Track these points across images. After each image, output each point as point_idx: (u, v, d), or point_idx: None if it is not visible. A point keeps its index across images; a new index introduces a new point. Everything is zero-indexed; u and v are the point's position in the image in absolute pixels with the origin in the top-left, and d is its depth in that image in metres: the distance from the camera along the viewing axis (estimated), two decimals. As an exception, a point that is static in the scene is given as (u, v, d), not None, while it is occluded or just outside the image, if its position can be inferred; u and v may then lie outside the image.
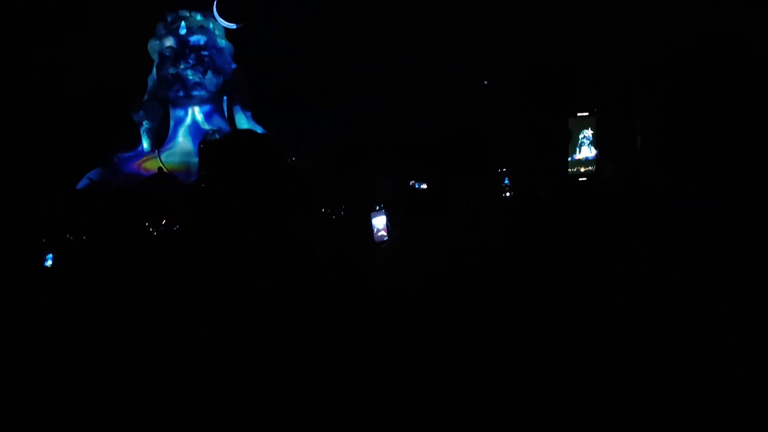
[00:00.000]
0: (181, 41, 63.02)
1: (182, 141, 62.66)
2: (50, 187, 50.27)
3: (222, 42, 65.58)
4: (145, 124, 62.60)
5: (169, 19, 63.93)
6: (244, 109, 65.55)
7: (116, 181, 57.87)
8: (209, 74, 62.33)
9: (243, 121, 66.77)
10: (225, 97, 65.61)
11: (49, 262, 8.89)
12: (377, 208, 6.93)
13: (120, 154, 62.54)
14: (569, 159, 5.82)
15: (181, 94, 62.34)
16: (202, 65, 62.38)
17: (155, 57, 65.41)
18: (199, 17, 65.39)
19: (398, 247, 5.09)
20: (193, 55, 61.81)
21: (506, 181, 8.23)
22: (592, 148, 5.87)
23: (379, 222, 6.93)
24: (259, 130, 64.63)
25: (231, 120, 67.10)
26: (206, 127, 62.39)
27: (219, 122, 63.96)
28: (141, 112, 62.57)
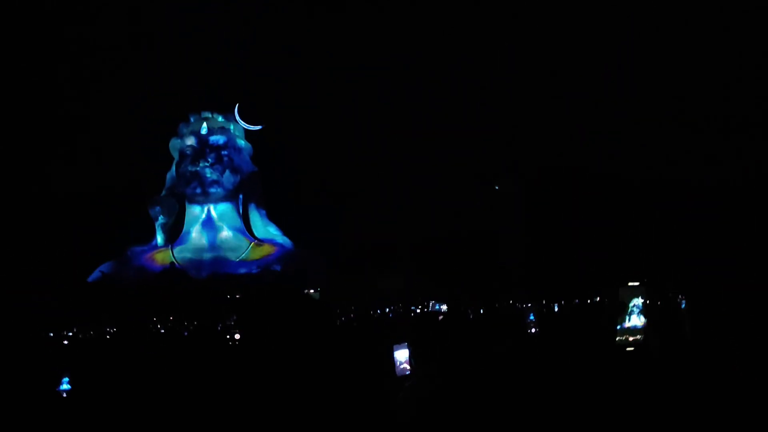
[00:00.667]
0: (202, 140, 65.33)
1: (196, 237, 63.92)
2: (62, 278, 50.34)
3: (241, 142, 68.06)
4: (161, 219, 64.10)
5: (192, 119, 66.79)
6: (258, 207, 67.15)
7: (128, 274, 58.13)
8: (227, 173, 64.00)
9: (257, 219, 68.07)
10: (241, 196, 66.77)
11: (65, 386, 8.56)
12: (399, 341, 6.86)
13: (134, 247, 63.54)
14: (618, 327, 5.84)
15: (198, 191, 63.47)
16: (220, 164, 64.25)
17: (175, 155, 67.65)
18: (220, 118, 68.14)
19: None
20: (212, 154, 63.75)
21: (531, 317, 8.17)
22: (642, 317, 5.91)
23: (402, 355, 6.84)
24: (272, 228, 65.48)
25: (245, 218, 68.49)
26: (220, 224, 63.50)
27: (233, 220, 65.16)
28: (158, 207, 63.84)
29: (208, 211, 63.94)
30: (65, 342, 29.73)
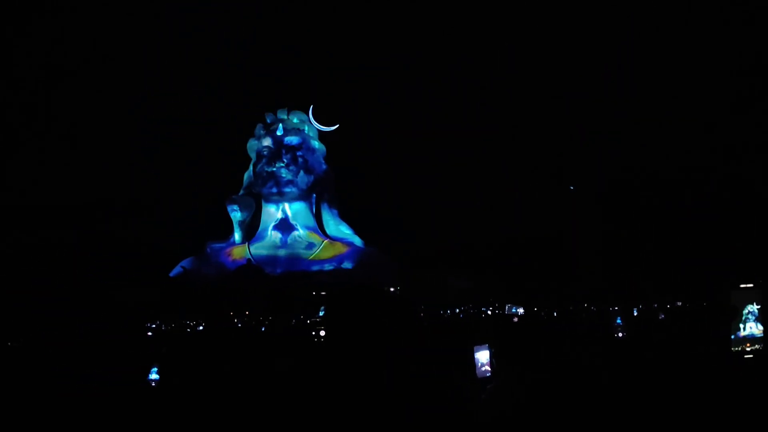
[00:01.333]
0: (278, 141, 67.31)
1: (271, 234, 65.86)
2: (146, 273, 52.88)
3: (315, 143, 69.47)
4: (239, 216, 66.37)
5: (268, 120, 68.87)
6: (331, 207, 68.57)
7: (207, 269, 60.51)
8: (301, 173, 65.60)
9: (329, 219, 69.40)
10: (314, 195, 68.19)
11: (154, 375, 8.93)
12: (479, 342, 6.82)
13: (213, 244, 66.19)
14: (732, 337, 5.33)
15: (274, 190, 65.51)
16: (295, 164, 65.95)
17: (252, 155, 69.96)
18: (295, 119, 69.94)
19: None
20: (288, 155, 65.55)
21: (618, 321, 7.93)
22: (759, 325, 5.34)
23: (483, 356, 6.79)
24: (344, 227, 66.46)
25: (318, 216, 70.00)
26: (294, 222, 65.13)
27: (307, 219, 66.71)
28: (236, 205, 66.09)
29: (284, 209, 65.71)
30: (149, 334, 31.26)
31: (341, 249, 63.00)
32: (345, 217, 68.16)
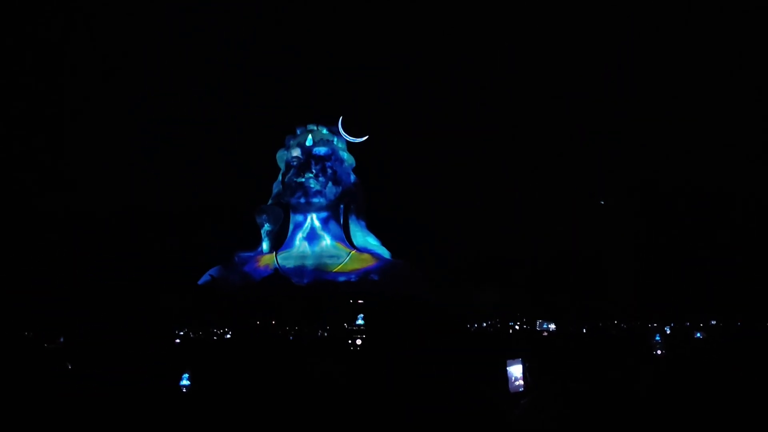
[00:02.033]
0: (306, 152, 68.07)
1: (299, 245, 66.69)
2: (175, 281, 53.51)
3: (344, 154, 70.47)
4: (267, 226, 67.31)
5: (298, 131, 69.69)
6: (358, 218, 69.27)
7: (234, 279, 61.02)
8: (329, 184, 66.26)
9: (357, 230, 69.65)
10: (342, 206, 68.98)
11: (185, 381, 8.99)
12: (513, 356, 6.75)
13: (241, 253, 66.83)
14: None
15: (302, 200, 66.32)
16: (324, 175, 66.58)
17: (282, 166, 70.83)
18: (324, 131, 70.67)
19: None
20: (317, 166, 66.27)
21: (657, 338, 7.76)
22: None
23: (516, 371, 6.73)
24: (372, 238, 66.56)
25: (346, 227, 70.28)
26: (322, 233, 65.48)
27: (334, 229, 67.00)
28: (264, 215, 67.16)
29: (311, 220, 66.14)
30: (177, 341, 31.56)
31: (369, 260, 63.05)
32: (373, 228, 68.37)
